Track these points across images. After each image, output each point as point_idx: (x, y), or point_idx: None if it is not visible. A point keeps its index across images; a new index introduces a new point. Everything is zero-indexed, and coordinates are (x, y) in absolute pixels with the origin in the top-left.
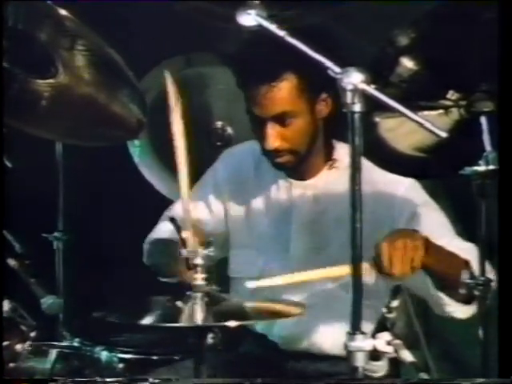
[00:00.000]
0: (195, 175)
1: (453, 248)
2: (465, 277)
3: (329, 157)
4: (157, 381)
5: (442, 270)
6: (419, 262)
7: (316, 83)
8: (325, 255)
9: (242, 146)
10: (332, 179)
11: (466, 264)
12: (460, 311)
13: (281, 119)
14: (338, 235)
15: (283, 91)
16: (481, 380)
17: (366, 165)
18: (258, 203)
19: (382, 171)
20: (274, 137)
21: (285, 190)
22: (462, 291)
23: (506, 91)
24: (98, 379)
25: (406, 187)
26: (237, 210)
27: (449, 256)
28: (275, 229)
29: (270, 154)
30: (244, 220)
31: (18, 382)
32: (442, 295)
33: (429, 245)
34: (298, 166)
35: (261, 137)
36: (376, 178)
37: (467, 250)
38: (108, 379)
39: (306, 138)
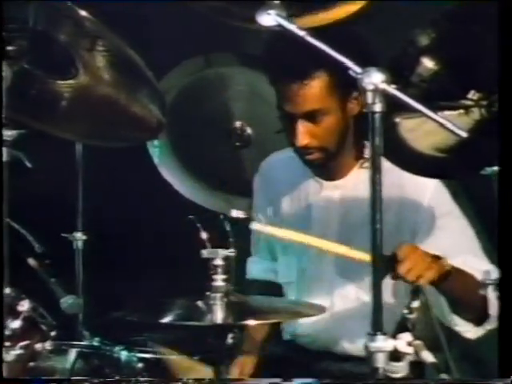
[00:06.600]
0: (215, 175)
1: (467, 268)
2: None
3: (360, 156)
4: (190, 381)
5: (459, 294)
6: (427, 279)
7: (348, 81)
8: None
9: (271, 157)
10: (362, 179)
11: (482, 286)
12: (470, 332)
13: (311, 117)
14: (364, 236)
15: (314, 89)
16: (482, 380)
17: (394, 167)
18: (286, 203)
19: (409, 174)
20: (304, 134)
21: (314, 189)
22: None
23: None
24: (133, 379)
25: (433, 192)
26: (266, 209)
27: (467, 279)
28: (301, 228)
29: (300, 151)
30: (272, 220)
31: (18, 381)
32: (454, 317)
33: (449, 271)
34: (328, 163)
35: (291, 133)
36: (403, 181)
37: (482, 272)
38: (142, 379)
39: (337, 136)
